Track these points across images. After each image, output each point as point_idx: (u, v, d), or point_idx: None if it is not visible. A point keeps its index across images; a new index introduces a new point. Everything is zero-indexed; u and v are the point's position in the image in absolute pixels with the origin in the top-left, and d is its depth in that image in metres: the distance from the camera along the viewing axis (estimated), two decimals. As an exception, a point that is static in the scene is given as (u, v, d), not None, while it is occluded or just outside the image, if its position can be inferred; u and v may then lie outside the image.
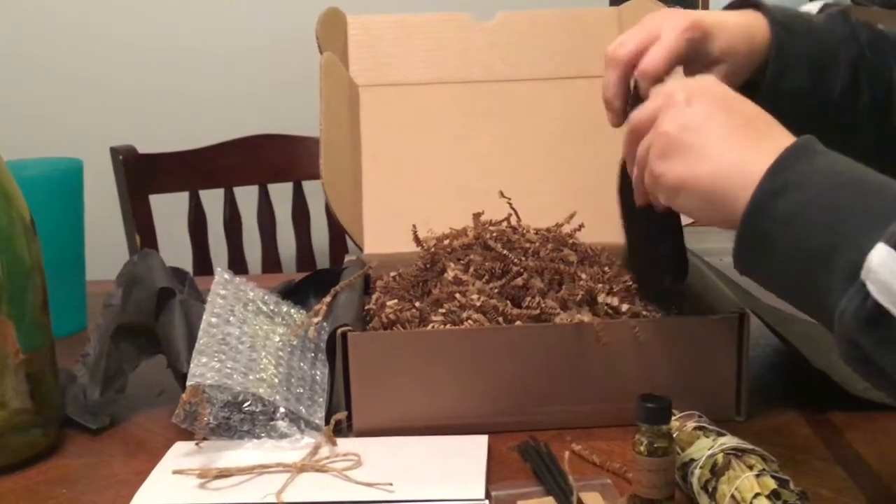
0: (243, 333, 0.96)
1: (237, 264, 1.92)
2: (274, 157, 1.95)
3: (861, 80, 0.89)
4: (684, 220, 0.87)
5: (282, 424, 0.89)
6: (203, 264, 1.88)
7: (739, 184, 0.68)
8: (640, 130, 0.78)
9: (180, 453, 0.88)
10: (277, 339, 0.98)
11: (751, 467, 0.72)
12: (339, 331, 0.89)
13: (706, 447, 0.75)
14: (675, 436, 0.78)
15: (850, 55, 0.90)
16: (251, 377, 0.90)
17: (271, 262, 1.97)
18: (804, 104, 0.88)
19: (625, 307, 0.93)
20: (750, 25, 0.88)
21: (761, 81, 0.87)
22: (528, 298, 0.93)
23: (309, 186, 1.95)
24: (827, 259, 0.63)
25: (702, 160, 0.72)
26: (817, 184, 0.66)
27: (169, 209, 1.91)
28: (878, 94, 0.90)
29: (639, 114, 0.79)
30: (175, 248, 1.89)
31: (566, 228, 1.03)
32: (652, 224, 0.87)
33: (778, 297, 0.71)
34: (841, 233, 0.63)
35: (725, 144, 0.71)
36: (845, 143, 0.75)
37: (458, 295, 0.93)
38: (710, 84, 0.76)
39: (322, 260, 2.01)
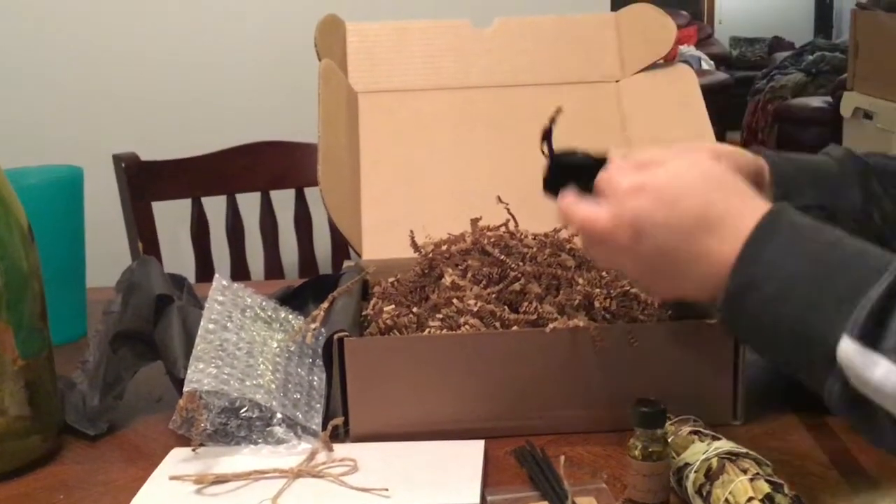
0: (241, 339, 0.96)
1: (240, 271, 1.93)
2: (276, 164, 1.95)
3: (876, 192, 0.91)
4: None
5: (278, 430, 0.89)
6: (205, 271, 1.88)
7: (714, 284, 0.71)
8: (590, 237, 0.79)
9: (177, 459, 0.88)
10: (275, 344, 0.98)
11: (745, 471, 0.72)
12: (336, 336, 0.89)
13: (701, 451, 0.76)
14: (670, 440, 0.78)
15: (858, 170, 0.92)
16: (248, 383, 0.90)
17: (274, 268, 1.97)
18: (824, 219, 0.88)
19: (621, 312, 0.93)
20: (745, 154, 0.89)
21: None
22: (526, 303, 0.94)
23: (311, 193, 1.95)
24: (803, 348, 0.67)
25: (676, 282, 0.75)
26: (780, 274, 0.68)
27: (171, 216, 1.92)
28: None
29: (588, 225, 0.78)
30: (178, 255, 1.90)
31: (563, 233, 1.03)
32: None
33: None
34: (810, 328, 0.66)
35: (690, 265, 0.73)
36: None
37: (455, 300, 0.93)
38: (653, 187, 0.74)
39: (325, 266, 2.01)
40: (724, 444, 0.76)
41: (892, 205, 0.92)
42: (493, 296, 0.94)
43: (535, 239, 1.02)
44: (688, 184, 0.74)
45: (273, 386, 0.92)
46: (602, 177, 0.79)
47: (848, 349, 0.63)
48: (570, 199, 0.80)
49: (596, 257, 0.82)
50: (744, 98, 6.29)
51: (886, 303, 0.62)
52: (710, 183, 0.74)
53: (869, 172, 0.93)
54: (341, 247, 1.91)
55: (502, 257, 0.97)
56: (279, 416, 0.90)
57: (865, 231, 0.91)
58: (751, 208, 0.72)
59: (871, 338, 0.62)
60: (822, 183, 0.91)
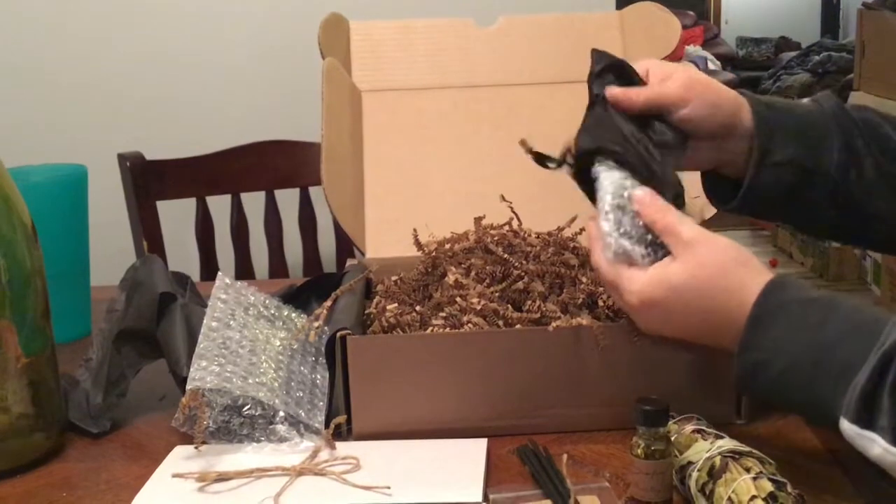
0: (243, 337, 0.96)
1: (244, 270, 1.93)
2: (280, 163, 1.95)
3: (860, 150, 0.91)
4: None
5: (281, 428, 0.89)
6: (210, 270, 1.89)
7: (728, 347, 0.78)
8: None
9: (180, 457, 0.88)
10: (278, 343, 0.98)
11: (748, 470, 0.72)
12: (339, 334, 0.89)
13: (704, 450, 0.75)
14: (673, 439, 0.78)
15: (844, 127, 0.91)
16: (251, 381, 0.90)
17: (278, 267, 1.97)
18: (800, 177, 0.90)
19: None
20: (723, 90, 0.91)
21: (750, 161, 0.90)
22: (529, 302, 0.94)
23: (316, 192, 1.95)
24: (818, 418, 0.76)
25: (690, 338, 0.83)
26: (779, 359, 0.74)
27: (176, 215, 1.92)
28: (880, 161, 0.91)
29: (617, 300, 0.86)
30: (182, 254, 1.90)
31: (567, 232, 1.03)
32: None
33: None
34: (815, 404, 0.73)
35: (704, 347, 0.83)
36: (853, 217, 0.89)
37: (458, 299, 0.93)
38: (662, 306, 0.81)
39: (329, 265, 2.01)
40: (727, 443, 0.75)
41: (873, 166, 0.91)
42: (497, 294, 0.94)
43: (538, 238, 1.01)
44: (686, 303, 0.80)
45: (276, 384, 0.92)
46: (608, 275, 0.84)
47: (847, 429, 0.69)
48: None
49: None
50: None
51: (873, 386, 0.67)
52: (711, 291, 0.79)
53: (855, 130, 0.91)
54: (346, 245, 1.91)
55: (506, 256, 0.97)
56: (282, 414, 0.90)
57: (842, 190, 0.90)
58: (753, 290, 0.77)
59: (865, 420, 0.67)
60: (804, 138, 0.90)
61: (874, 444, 0.67)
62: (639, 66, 0.91)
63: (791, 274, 1.72)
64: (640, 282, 0.81)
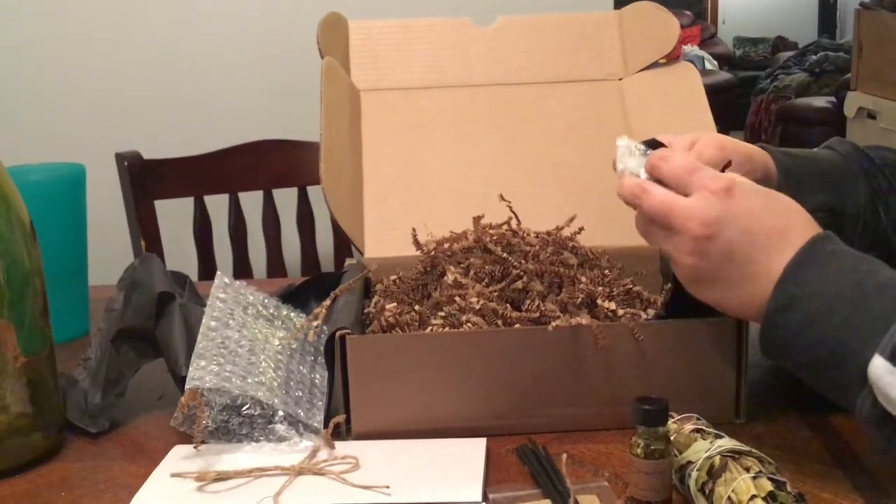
0: (242, 337, 0.96)
1: (242, 269, 1.93)
2: (279, 162, 1.95)
3: (882, 188, 0.94)
4: None
5: (280, 428, 0.89)
6: (208, 269, 1.88)
7: (759, 303, 0.77)
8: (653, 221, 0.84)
9: (179, 457, 0.88)
10: (277, 342, 0.98)
11: (748, 469, 0.72)
12: (338, 334, 0.89)
13: (703, 449, 0.75)
14: (672, 438, 0.77)
15: (863, 167, 0.95)
16: (250, 380, 0.90)
17: (276, 267, 1.97)
18: (830, 221, 0.92)
19: (623, 310, 0.93)
20: (754, 150, 0.94)
21: None
22: (528, 302, 0.93)
23: (314, 191, 1.95)
24: (838, 366, 0.72)
25: (724, 292, 0.80)
26: (819, 296, 0.73)
27: (174, 215, 1.92)
28: None
29: (663, 208, 0.82)
30: (180, 254, 1.90)
31: (566, 231, 1.03)
32: None
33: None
34: (845, 345, 0.71)
35: (749, 279, 0.78)
36: (882, 252, 0.87)
37: (457, 298, 0.93)
38: (742, 193, 0.79)
39: (327, 264, 2.01)
40: (727, 442, 0.75)
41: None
42: (496, 294, 0.94)
43: (537, 237, 1.01)
44: (773, 199, 0.79)
45: (275, 383, 0.92)
46: (681, 165, 0.81)
47: (878, 367, 0.67)
48: (644, 181, 0.84)
49: (650, 238, 0.85)
50: (747, 98, 6.30)
51: None
52: (791, 205, 0.79)
53: (874, 168, 0.94)
54: (344, 245, 1.91)
55: (505, 255, 0.97)
56: (281, 413, 0.90)
57: (871, 228, 0.92)
58: (801, 238, 0.76)
59: None
60: (829, 183, 0.93)
61: None
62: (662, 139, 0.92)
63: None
64: (698, 203, 0.79)
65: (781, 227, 0.78)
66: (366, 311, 0.98)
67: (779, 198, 0.81)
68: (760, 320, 0.77)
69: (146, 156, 1.84)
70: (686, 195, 0.80)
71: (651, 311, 0.94)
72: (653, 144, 0.90)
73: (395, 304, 0.95)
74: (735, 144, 0.93)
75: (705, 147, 0.91)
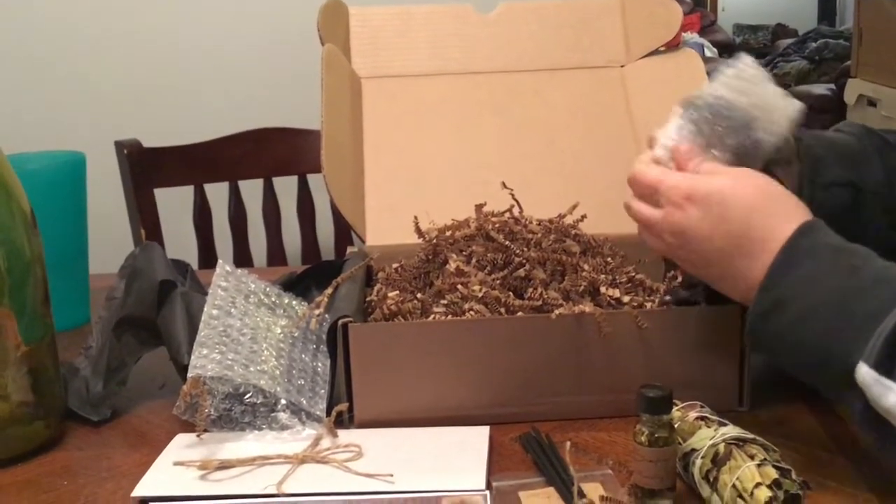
0: (244, 325, 0.95)
1: (242, 258, 1.92)
2: (279, 151, 1.94)
3: (894, 164, 0.94)
4: None
5: (283, 416, 0.89)
6: (208, 258, 1.88)
7: (744, 297, 0.79)
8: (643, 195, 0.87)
9: (181, 445, 0.88)
10: (279, 330, 0.98)
11: (752, 457, 0.72)
12: (340, 322, 0.89)
13: (707, 437, 0.75)
14: (676, 426, 0.77)
15: (876, 145, 0.95)
16: (252, 369, 0.90)
17: (276, 255, 1.97)
18: (851, 196, 0.93)
19: (626, 298, 0.92)
20: None
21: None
22: (531, 290, 0.93)
23: (314, 179, 1.94)
24: (826, 368, 0.72)
25: (714, 283, 0.84)
26: (803, 298, 0.74)
27: (174, 203, 1.91)
28: None
29: (642, 221, 0.87)
30: (180, 242, 1.89)
31: (568, 219, 1.03)
32: None
33: None
34: (830, 350, 0.71)
35: (725, 280, 0.82)
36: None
37: (459, 286, 0.93)
38: (701, 200, 0.81)
39: (327, 253, 2.01)
40: (731, 430, 0.75)
41: None
42: (498, 282, 0.94)
43: (539, 225, 1.01)
44: (735, 202, 0.79)
45: (277, 372, 0.92)
46: (652, 175, 0.85)
47: (865, 375, 0.68)
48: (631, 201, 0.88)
49: (648, 243, 0.89)
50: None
51: None
52: (756, 201, 0.79)
53: (887, 147, 0.94)
54: (344, 233, 1.91)
55: (507, 243, 0.97)
56: (283, 402, 0.89)
57: (888, 203, 0.92)
58: (785, 231, 0.76)
59: (887, 366, 0.67)
60: (846, 159, 0.94)
61: (890, 393, 0.66)
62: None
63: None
64: (689, 177, 0.83)
65: (738, 234, 0.79)
66: (368, 299, 0.98)
67: (756, 194, 0.80)
68: (746, 321, 0.79)
69: (146, 144, 1.83)
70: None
71: (655, 299, 0.94)
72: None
73: (397, 292, 0.95)
74: None
75: None
